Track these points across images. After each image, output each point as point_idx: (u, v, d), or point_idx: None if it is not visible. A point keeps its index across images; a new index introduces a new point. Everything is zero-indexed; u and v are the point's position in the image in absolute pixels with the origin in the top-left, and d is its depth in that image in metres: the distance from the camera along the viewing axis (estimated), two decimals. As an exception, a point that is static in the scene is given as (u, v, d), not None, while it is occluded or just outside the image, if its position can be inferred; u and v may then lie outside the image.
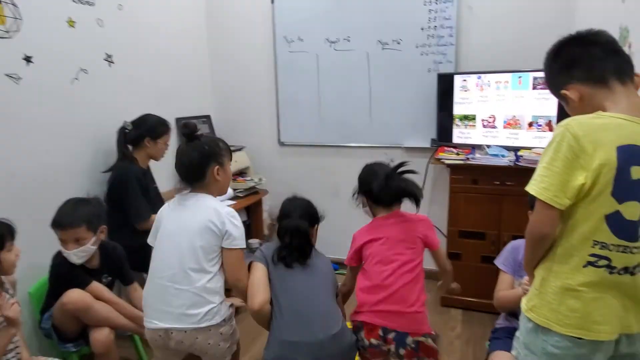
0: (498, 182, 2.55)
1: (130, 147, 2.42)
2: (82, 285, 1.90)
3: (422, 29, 2.84)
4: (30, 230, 1.86)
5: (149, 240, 1.73)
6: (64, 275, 1.91)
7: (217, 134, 3.36)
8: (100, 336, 1.87)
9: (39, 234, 1.89)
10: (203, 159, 1.62)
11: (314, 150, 3.30)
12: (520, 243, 1.82)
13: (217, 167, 1.64)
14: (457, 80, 2.70)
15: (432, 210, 3.03)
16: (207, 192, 1.65)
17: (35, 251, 1.95)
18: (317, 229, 1.81)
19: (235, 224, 1.60)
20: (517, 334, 1.29)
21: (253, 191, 3.06)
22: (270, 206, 3.24)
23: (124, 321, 1.97)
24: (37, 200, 2.10)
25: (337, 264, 3.07)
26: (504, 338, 1.74)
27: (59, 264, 1.92)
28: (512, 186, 2.53)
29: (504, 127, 2.64)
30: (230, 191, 2.91)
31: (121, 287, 2.16)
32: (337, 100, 3.14)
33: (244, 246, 1.62)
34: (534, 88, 2.52)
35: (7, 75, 1.99)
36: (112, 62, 2.56)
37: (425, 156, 2.96)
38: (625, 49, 1.74)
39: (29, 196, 2.09)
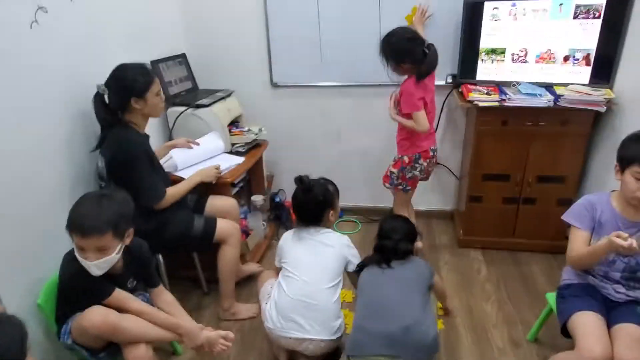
0: (530, 123, 2.40)
1: (119, 112, 1.90)
2: (104, 296, 1.56)
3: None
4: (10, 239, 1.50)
5: (276, 263, 1.94)
6: (80, 287, 1.54)
7: (196, 74, 2.80)
8: (137, 355, 1.56)
9: (25, 237, 1.56)
10: (319, 207, 1.88)
11: (312, 91, 2.88)
12: (596, 198, 1.70)
13: (331, 211, 1.91)
14: (488, 7, 2.38)
15: (444, 149, 2.86)
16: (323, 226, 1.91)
17: (25, 259, 1.61)
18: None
19: (352, 251, 1.89)
20: None
21: (254, 144, 2.64)
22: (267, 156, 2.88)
23: (160, 332, 1.65)
24: (10, 198, 1.60)
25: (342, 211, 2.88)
26: (584, 296, 1.68)
27: (75, 273, 1.53)
28: (543, 126, 2.39)
29: (536, 62, 2.43)
30: (220, 144, 2.49)
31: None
32: (341, 33, 2.68)
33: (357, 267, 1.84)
34: (575, 17, 2.29)
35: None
36: (73, -6, 1.90)
37: (441, 94, 2.70)
38: None
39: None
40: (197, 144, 2.40)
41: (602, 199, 1.69)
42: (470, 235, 2.77)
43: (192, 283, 2.49)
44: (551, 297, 1.90)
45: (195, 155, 2.38)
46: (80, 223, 1.44)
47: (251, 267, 2.55)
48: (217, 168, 2.27)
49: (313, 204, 1.86)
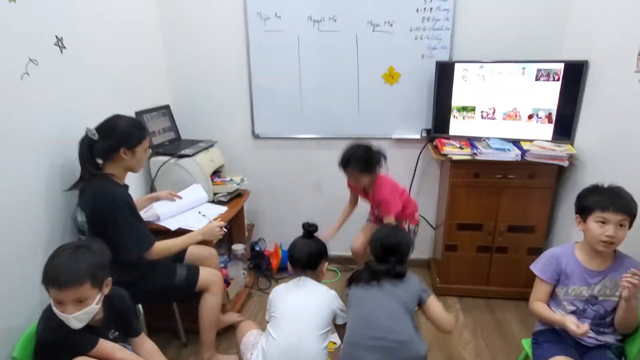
0: (500, 176, 2.54)
1: (99, 160, 1.92)
2: (88, 348, 1.51)
3: (417, 10, 2.62)
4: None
5: (267, 317, 1.89)
6: (61, 342, 1.49)
7: (179, 125, 2.87)
8: None
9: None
10: (318, 256, 1.91)
11: (293, 143, 2.98)
12: (561, 251, 1.81)
13: (326, 262, 1.96)
14: (458, 69, 2.58)
15: (421, 201, 2.96)
16: (315, 279, 1.92)
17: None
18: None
19: (340, 304, 1.87)
20: None
21: (236, 194, 2.68)
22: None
23: None
24: None
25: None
26: (557, 341, 1.75)
27: (55, 327, 1.48)
28: (512, 179, 2.54)
29: (503, 119, 2.61)
30: (203, 195, 2.52)
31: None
32: (321, 88, 2.83)
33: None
34: (537, 79, 2.49)
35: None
36: (64, 47, 1.97)
37: (416, 147, 2.85)
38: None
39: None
40: (180, 197, 2.41)
41: (567, 250, 1.79)
42: (447, 283, 2.83)
43: (170, 334, 2.44)
44: (526, 343, 1.95)
45: (178, 206, 2.40)
46: (56, 275, 1.42)
47: (232, 316, 2.52)
48: (221, 227, 2.19)
49: (316, 253, 1.90)
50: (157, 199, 2.37)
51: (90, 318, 1.51)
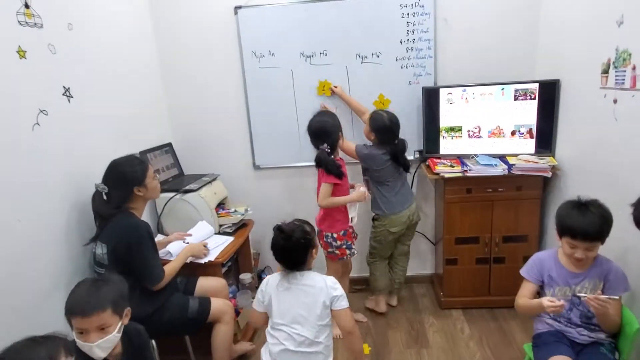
0: (490, 190, 2.70)
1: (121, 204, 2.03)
2: None
3: (401, 42, 2.83)
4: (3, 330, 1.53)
5: (257, 306, 1.92)
6: None
7: (182, 161, 2.97)
8: None
9: (20, 329, 1.54)
10: (303, 251, 1.85)
11: (293, 171, 3.11)
12: (545, 255, 1.97)
13: (314, 250, 1.91)
14: (443, 93, 2.77)
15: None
16: (307, 268, 1.90)
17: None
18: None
19: (338, 291, 1.86)
20: None
21: (241, 224, 2.77)
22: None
23: None
24: (6, 289, 1.67)
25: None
26: (554, 342, 1.86)
27: None
28: (502, 192, 2.70)
29: (489, 137, 2.79)
30: (210, 229, 2.60)
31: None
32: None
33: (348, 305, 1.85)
34: (516, 99, 2.70)
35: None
36: (71, 97, 2.09)
37: (411, 167, 2.99)
38: (628, 70, 1.95)
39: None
40: (190, 235, 2.50)
41: (550, 255, 1.95)
42: (451, 296, 2.94)
43: (183, 368, 2.46)
44: (528, 348, 2.06)
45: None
46: (79, 303, 1.49)
47: (244, 346, 2.57)
48: (205, 245, 2.38)
49: (298, 250, 1.83)
50: (169, 242, 2.45)
51: (111, 348, 1.55)
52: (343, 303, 1.84)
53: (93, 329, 1.49)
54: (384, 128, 2.58)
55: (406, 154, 2.68)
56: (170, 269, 2.12)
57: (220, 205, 2.85)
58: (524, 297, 1.94)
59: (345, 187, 2.57)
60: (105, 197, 2.02)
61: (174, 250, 2.38)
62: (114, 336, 1.54)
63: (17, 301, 1.69)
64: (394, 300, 3.05)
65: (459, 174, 2.67)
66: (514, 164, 2.64)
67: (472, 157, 2.79)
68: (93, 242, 2.05)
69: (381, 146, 2.62)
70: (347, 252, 2.61)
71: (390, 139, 2.61)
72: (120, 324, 1.57)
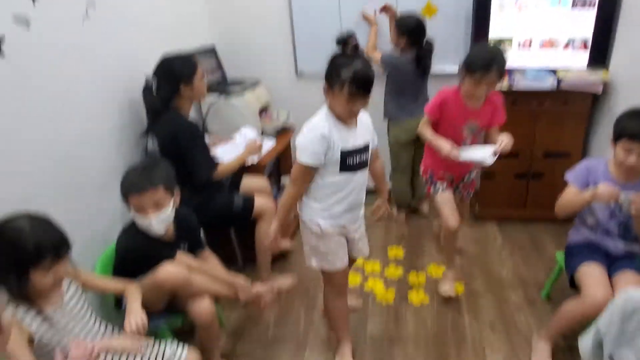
0: (536, 103, 2.65)
1: (168, 99, 2.09)
2: (170, 259, 1.70)
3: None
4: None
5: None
6: (144, 253, 1.68)
7: (225, 66, 3.00)
8: (203, 308, 1.74)
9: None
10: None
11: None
12: (595, 163, 1.90)
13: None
14: (495, 0, 2.65)
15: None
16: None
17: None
18: None
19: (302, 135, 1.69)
20: None
21: (282, 129, 2.84)
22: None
23: (221, 288, 1.85)
24: (70, 176, 1.79)
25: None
26: (588, 251, 1.88)
27: (140, 244, 1.69)
28: (547, 107, 2.64)
29: (540, 48, 2.69)
30: (250, 132, 2.66)
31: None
32: (361, 24, 2.92)
33: (301, 161, 1.63)
34: (574, 6, 2.56)
35: (15, 18, 1.52)
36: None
37: (455, 81, 2.93)
38: None
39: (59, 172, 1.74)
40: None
41: (600, 162, 1.89)
42: (486, 208, 2.99)
43: (227, 260, 2.63)
44: (560, 255, 2.11)
45: (234, 147, 2.51)
46: (135, 182, 1.63)
47: (284, 243, 2.70)
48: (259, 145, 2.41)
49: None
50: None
51: (167, 224, 1.70)
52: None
53: (149, 205, 1.62)
54: (414, 26, 2.57)
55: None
56: (226, 166, 2.20)
57: (263, 110, 2.90)
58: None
59: None
60: (154, 92, 2.08)
61: (219, 152, 2.45)
62: (169, 213, 1.67)
63: (79, 192, 1.81)
64: (425, 207, 3.13)
65: (504, 89, 2.61)
66: (563, 79, 2.55)
67: (521, 72, 2.70)
68: (145, 136, 2.15)
69: (408, 50, 2.60)
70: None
71: (420, 38, 2.60)
72: (172, 202, 1.69)
